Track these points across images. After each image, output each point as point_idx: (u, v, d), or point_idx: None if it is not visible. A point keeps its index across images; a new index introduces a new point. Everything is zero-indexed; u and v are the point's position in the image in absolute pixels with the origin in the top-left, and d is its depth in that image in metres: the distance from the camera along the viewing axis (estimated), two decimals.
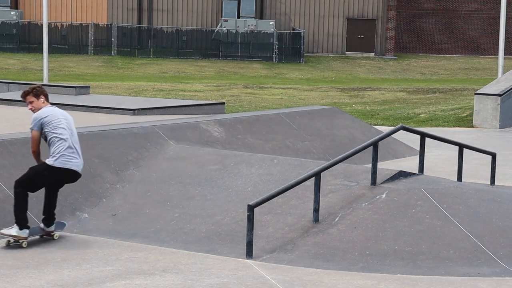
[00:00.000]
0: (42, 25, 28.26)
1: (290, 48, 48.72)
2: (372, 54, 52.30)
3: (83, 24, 48.81)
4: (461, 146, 11.66)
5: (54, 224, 8.97)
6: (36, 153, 8.79)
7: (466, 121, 21.37)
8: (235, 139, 12.78)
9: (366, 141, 10.07)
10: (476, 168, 13.63)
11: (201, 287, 7.36)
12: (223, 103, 17.59)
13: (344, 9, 52.26)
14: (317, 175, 8.96)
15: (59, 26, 48.63)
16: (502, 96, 20.41)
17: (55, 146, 8.65)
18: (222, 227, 9.10)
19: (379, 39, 52.52)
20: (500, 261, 8.24)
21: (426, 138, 11.00)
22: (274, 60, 48.12)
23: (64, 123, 8.78)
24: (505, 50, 26.02)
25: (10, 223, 8.84)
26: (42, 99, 8.88)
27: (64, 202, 9.61)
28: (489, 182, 12.10)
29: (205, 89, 32.71)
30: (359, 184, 9.64)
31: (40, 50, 33.45)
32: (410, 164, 13.42)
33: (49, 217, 8.94)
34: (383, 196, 9.25)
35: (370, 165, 9.68)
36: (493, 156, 12.19)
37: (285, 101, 28.92)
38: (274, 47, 48.19)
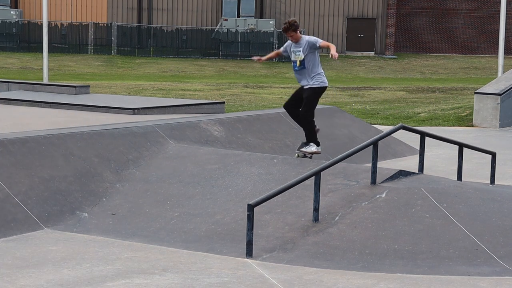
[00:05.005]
0: (42, 24, 28.26)
1: None
2: (372, 54, 52.31)
3: (83, 24, 48.81)
4: (461, 146, 11.65)
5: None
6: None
7: (466, 121, 21.36)
8: (235, 138, 12.77)
9: (366, 141, 10.07)
10: (476, 167, 13.63)
11: (201, 286, 7.36)
12: (223, 103, 17.58)
13: (344, 8, 52.27)
14: (317, 174, 8.96)
15: (59, 25, 48.64)
16: (502, 96, 20.41)
17: (319, 67, 10.75)
18: (222, 226, 9.10)
19: (379, 39, 52.53)
20: (500, 260, 8.24)
21: (426, 138, 10.99)
22: (274, 59, 48.12)
23: None
24: (505, 49, 26.01)
25: (10, 223, 8.86)
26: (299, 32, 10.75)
27: (64, 201, 9.61)
28: (489, 182, 12.09)
29: (205, 89, 32.72)
30: (359, 183, 9.64)
31: (40, 49, 33.45)
32: (410, 163, 13.41)
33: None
34: (383, 195, 9.25)
35: (370, 165, 9.68)
36: (493, 155, 12.18)
37: (285, 100, 28.90)
38: (274, 46, 48.19)
